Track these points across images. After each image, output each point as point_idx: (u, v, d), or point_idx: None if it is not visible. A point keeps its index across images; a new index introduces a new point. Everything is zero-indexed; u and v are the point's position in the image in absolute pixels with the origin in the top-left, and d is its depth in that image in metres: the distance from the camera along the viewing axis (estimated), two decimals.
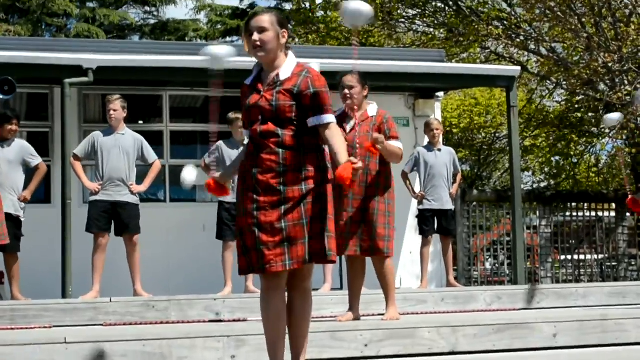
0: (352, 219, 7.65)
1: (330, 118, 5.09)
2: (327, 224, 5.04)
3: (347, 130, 7.74)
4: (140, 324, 8.76)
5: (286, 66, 5.14)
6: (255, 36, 5.11)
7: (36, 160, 10.47)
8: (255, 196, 5.03)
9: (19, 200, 10.27)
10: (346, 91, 7.79)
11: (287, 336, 5.15)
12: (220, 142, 11.01)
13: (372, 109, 7.88)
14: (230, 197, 10.63)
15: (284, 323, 5.07)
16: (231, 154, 10.72)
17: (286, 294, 5.14)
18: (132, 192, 10.49)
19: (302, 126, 5.06)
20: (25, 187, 10.41)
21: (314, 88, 5.07)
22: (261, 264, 4.97)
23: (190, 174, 6.21)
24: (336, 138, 5.06)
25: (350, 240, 7.66)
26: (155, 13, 30.84)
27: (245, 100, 5.19)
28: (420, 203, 11.92)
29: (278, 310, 5.03)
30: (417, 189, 12.13)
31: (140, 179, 10.67)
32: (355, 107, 7.70)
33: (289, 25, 5.36)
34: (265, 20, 5.12)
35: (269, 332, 5.05)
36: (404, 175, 11.80)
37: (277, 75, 5.13)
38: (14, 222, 10.20)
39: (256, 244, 4.97)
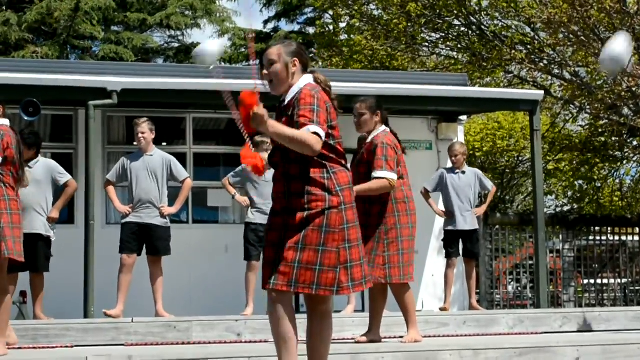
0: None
1: (308, 128, 4.97)
2: (328, 256, 5.00)
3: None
4: (162, 344, 8.77)
5: (292, 90, 5.19)
6: (265, 70, 5.19)
7: (65, 177, 10.42)
8: (271, 217, 5.17)
9: (47, 221, 10.29)
10: (355, 119, 7.82)
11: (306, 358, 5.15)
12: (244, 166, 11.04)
13: (371, 135, 7.83)
14: (259, 219, 10.69)
15: (294, 337, 5.02)
16: (255, 178, 10.73)
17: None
18: (162, 215, 10.50)
19: (306, 155, 5.05)
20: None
21: (298, 106, 5.05)
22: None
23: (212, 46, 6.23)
24: (293, 129, 4.97)
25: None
26: (180, 37, 31.00)
27: None
28: (446, 224, 11.88)
29: (286, 322, 4.98)
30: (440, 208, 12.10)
31: (171, 200, 10.68)
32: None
33: (306, 50, 5.38)
34: (273, 53, 5.18)
35: (278, 346, 5.04)
36: (425, 193, 11.76)
37: (284, 100, 5.21)
38: (44, 242, 10.27)
39: (266, 260, 5.09)
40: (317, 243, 4.97)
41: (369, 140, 7.77)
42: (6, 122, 7.22)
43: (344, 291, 5.04)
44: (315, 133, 4.96)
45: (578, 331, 10.25)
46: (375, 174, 7.54)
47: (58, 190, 10.47)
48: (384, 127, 7.83)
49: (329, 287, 4.98)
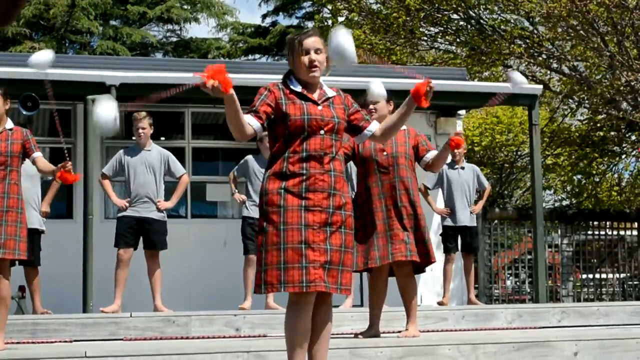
0: (394, 228, 7.60)
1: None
2: (349, 256, 5.12)
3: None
4: (160, 339, 8.77)
5: (327, 87, 5.29)
6: (313, 56, 5.17)
7: None
8: (303, 213, 5.00)
9: (41, 215, 10.33)
10: (371, 106, 7.84)
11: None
12: (249, 157, 11.05)
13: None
14: (255, 213, 10.69)
15: (308, 340, 5.07)
16: (260, 170, 10.74)
17: None
18: (159, 209, 10.51)
19: (339, 150, 5.18)
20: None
21: (354, 102, 5.34)
22: (306, 282, 4.92)
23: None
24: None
25: (392, 249, 7.60)
26: (178, 31, 30.98)
27: (286, 106, 5.12)
28: (444, 220, 11.92)
29: (307, 325, 5.03)
30: (439, 206, 12.14)
31: (168, 195, 10.69)
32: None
33: None
34: (320, 42, 5.24)
35: (294, 345, 5.02)
36: (425, 190, 11.79)
37: (324, 92, 5.24)
38: (39, 236, 10.31)
39: (302, 261, 4.92)
40: (352, 246, 5.15)
41: (403, 127, 7.85)
42: (11, 123, 7.32)
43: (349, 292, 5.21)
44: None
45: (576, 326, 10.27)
46: (434, 152, 7.89)
47: (44, 185, 10.50)
48: None
49: (349, 287, 5.12)
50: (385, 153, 7.75)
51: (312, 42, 5.19)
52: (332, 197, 5.05)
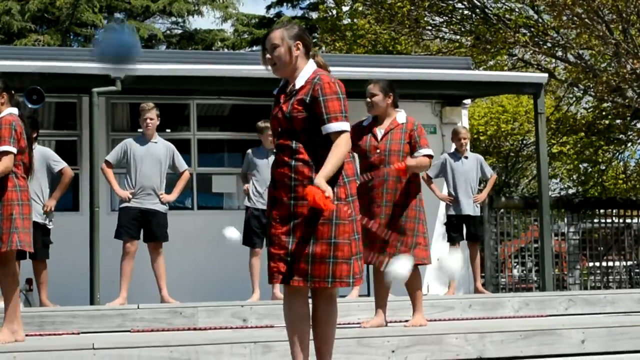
0: (383, 226, 7.61)
1: (337, 126, 5.02)
2: (341, 248, 5.02)
3: (379, 138, 7.76)
4: (168, 330, 8.78)
5: (301, 75, 5.17)
6: (268, 54, 5.19)
7: (60, 164, 10.32)
8: (270, 208, 5.12)
9: (44, 211, 10.25)
10: (368, 99, 7.83)
11: (312, 342, 5.17)
12: (249, 151, 11.07)
13: (400, 116, 7.86)
14: (260, 204, 10.70)
15: (307, 328, 5.09)
16: (260, 163, 10.79)
17: (310, 300, 5.17)
18: (161, 202, 10.52)
19: (317, 138, 5.07)
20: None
21: (323, 96, 5.05)
22: (269, 274, 5.08)
23: (233, 233, 6.45)
24: (334, 150, 4.98)
25: (382, 247, 7.63)
26: (182, 24, 30.95)
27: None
28: (448, 209, 11.91)
29: (300, 314, 5.06)
30: (443, 194, 12.13)
31: (168, 187, 10.70)
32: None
33: (309, 34, 5.38)
34: (276, 37, 5.17)
35: (291, 336, 5.07)
36: (428, 180, 11.77)
37: (294, 85, 5.18)
38: (42, 230, 10.25)
39: (270, 254, 5.08)
40: (328, 236, 4.99)
41: (402, 121, 7.82)
42: (15, 110, 7.17)
43: (358, 282, 5.11)
44: (344, 131, 5.02)
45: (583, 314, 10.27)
46: (425, 151, 7.76)
47: (54, 179, 10.43)
48: (403, 111, 7.91)
49: (345, 279, 5.02)
50: (378, 150, 7.72)
51: (267, 40, 5.22)
52: (294, 189, 5.02)
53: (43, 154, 10.36)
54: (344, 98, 5.10)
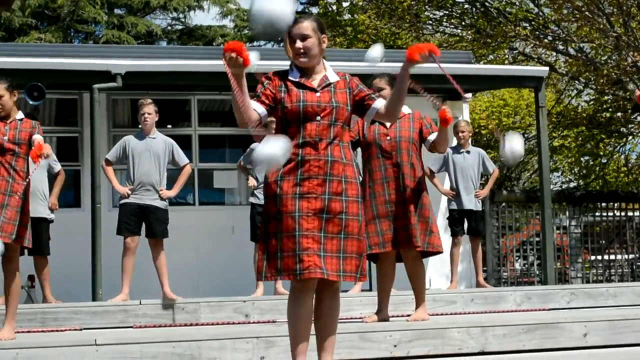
0: (397, 213, 7.61)
1: (381, 101, 5.33)
2: (361, 244, 5.11)
3: (388, 126, 7.80)
4: (170, 325, 8.79)
5: (329, 71, 5.26)
6: (299, 44, 5.17)
7: (58, 166, 10.63)
8: (297, 201, 5.05)
9: (50, 209, 10.38)
10: (376, 94, 7.83)
11: (312, 337, 5.17)
12: (256, 144, 11.02)
13: (405, 108, 7.89)
14: (262, 200, 10.69)
15: (310, 324, 5.09)
16: None
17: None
18: (161, 198, 10.51)
19: (344, 136, 5.17)
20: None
21: (360, 85, 5.29)
22: (300, 269, 4.96)
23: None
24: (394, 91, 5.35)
25: (395, 234, 7.62)
26: (182, 19, 30.94)
27: (284, 95, 5.18)
28: (450, 203, 11.92)
29: (307, 310, 5.06)
30: (445, 188, 12.14)
31: (170, 183, 10.69)
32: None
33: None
34: (307, 27, 5.18)
35: (294, 331, 5.06)
36: (430, 173, 11.77)
37: (326, 77, 5.22)
38: (47, 225, 10.35)
39: (295, 249, 4.97)
40: (358, 232, 5.08)
41: (408, 111, 7.86)
42: (22, 114, 7.39)
43: (364, 278, 5.17)
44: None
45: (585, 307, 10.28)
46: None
47: (50, 177, 10.55)
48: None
49: (354, 274, 5.09)
50: (388, 137, 7.75)
51: (297, 28, 5.18)
52: (329, 183, 5.05)
53: None
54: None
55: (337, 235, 5.02)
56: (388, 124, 7.79)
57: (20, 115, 7.36)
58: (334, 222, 5.03)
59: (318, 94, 5.15)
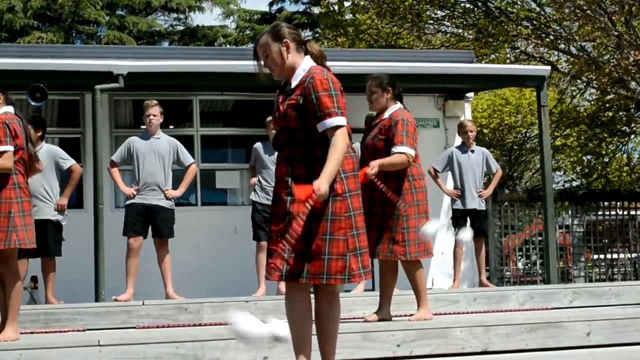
0: (374, 224, 7.58)
1: (332, 122, 5.00)
2: (336, 244, 4.99)
3: (371, 134, 7.79)
4: (173, 326, 8.79)
5: (296, 75, 5.19)
6: (262, 61, 5.24)
7: (68, 162, 10.45)
8: (272, 205, 5.19)
9: (57, 210, 10.34)
10: (367, 96, 7.84)
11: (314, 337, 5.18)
12: (257, 144, 11.05)
13: (388, 111, 7.81)
14: (264, 199, 10.70)
15: (309, 323, 5.09)
16: (266, 158, 10.79)
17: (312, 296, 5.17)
18: (167, 197, 10.53)
19: (315, 136, 5.06)
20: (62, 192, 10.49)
21: (315, 93, 5.04)
22: (266, 270, 5.12)
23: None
24: (331, 150, 4.95)
25: (378, 245, 7.63)
26: (184, 20, 30.95)
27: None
28: (453, 202, 11.90)
29: (301, 309, 5.08)
30: (449, 188, 12.12)
31: (175, 183, 10.70)
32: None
33: (294, 27, 5.35)
34: (262, 44, 5.22)
35: (293, 331, 5.06)
36: (433, 173, 11.76)
37: (290, 84, 5.20)
38: (54, 227, 10.32)
39: (269, 251, 5.10)
40: (323, 232, 4.98)
41: (386, 116, 7.76)
42: (10, 109, 7.14)
43: (355, 279, 5.07)
44: (340, 126, 4.99)
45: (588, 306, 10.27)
46: (396, 148, 7.55)
47: (63, 176, 10.51)
48: (399, 104, 7.85)
49: (339, 276, 5.01)
50: (367, 147, 7.75)
51: (258, 48, 5.25)
52: (291, 187, 5.02)
53: (51, 152, 10.43)
54: (336, 94, 5.05)
55: (302, 237, 4.95)
56: (372, 132, 7.79)
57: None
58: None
59: (278, 105, 5.19)
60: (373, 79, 7.88)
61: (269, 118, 10.92)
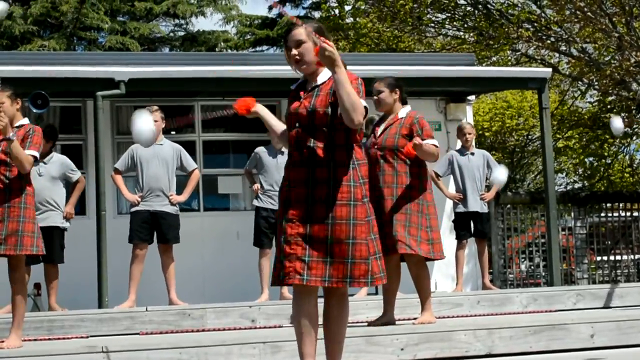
0: (384, 220, 7.60)
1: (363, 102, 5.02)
2: (359, 248, 4.97)
3: (378, 134, 7.81)
4: (177, 332, 8.80)
5: (324, 72, 5.14)
6: (294, 51, 5.12)
7: (76, 175, 10.70)
8: (285, 208, 5.06)
9: (64, 218, 10.44)
10: (374, 97, 7.86)
11: (321, 341, 5.16)
12: (259, 149, 11.04)
13: (403, 111, 7.90)
14: (269, 204, 10.70)
15: (316, 327, 5.07)
16: (269, 162, 10.78)
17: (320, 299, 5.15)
18: (171, 203, 10.54)
19: (335, 137, 5.03)
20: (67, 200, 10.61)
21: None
22: (282, 275, 4.98)
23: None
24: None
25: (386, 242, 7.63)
26: (185, 25, 30.95)
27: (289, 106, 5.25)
28: (455, 206, 11.90)
29: (310, 314, 5.04)
30: (451, 191, 12.12)
31: (178, 189, 10.71)
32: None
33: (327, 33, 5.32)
34: (301, 33, 5.12)
35: (300, 336, 5.05)
36: (435, 177, 11.76)
37: (316, 81, 5.16)
38: (60, 234, 10.41)
39: (281, 255, 5.00)
40: (346, 236, 4.95)
41: (402, 115, 7.82)
42: (26, 120, 7.30)
43: (378, 282, 5.06)
44: (365, 107, 4.99)
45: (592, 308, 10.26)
46: (431, 141, 7.69)
47: (68, 185, 10.62)
48: (408, 106, 7.94)
49: (363, 279, 4.99)
50: (375, 146, 7.77)
51: (291, 35, 5.15)
52: (312, 189, 4.99)
53: (62, 162, 10.65)
54: (360, 92, 5.06)
55: (323, 241, 4.94)
56: (379, 132, 7.81)
57: (22, 122, 7.27)
58: (319, 228, 4.94)
59: (301, 100, 5.13)
60: (380, 79, 8.01)
61: None
